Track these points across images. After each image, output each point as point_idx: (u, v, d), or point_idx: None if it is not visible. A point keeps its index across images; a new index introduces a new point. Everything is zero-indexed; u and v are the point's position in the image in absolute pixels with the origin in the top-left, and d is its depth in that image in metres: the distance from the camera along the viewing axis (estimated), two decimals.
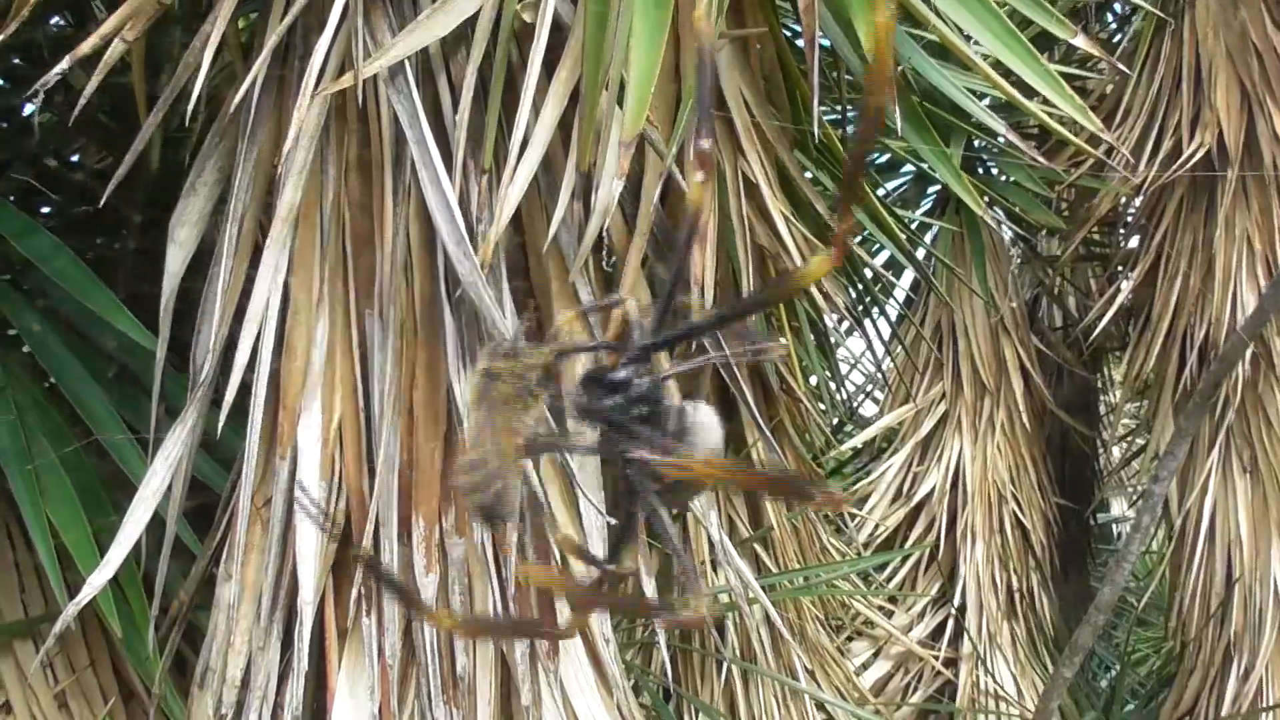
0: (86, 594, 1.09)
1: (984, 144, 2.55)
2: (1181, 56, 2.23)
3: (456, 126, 1.07)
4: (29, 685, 1.30)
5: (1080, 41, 1.13)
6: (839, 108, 1.70)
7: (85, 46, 0.95)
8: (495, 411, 0.52)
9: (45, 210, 1.51)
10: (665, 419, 0.54)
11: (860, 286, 2.14)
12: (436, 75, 1.11)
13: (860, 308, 2.25)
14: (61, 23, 1.48)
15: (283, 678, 1.09)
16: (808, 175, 1.40)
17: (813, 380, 2.20)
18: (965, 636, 2.59)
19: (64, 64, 0.96)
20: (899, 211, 2.51)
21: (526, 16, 1.05)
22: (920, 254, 2.57)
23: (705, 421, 0.56)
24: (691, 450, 0.54)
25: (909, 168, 2.75)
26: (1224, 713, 2.33)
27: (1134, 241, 2.57)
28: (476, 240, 1.06)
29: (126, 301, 1.26)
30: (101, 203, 1.08)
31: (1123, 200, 2.53)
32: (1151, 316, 2.40)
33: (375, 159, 1.11)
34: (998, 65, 1.21)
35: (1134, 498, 3.59)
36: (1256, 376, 2.29)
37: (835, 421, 2.78)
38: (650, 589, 1.19)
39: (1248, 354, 2.24)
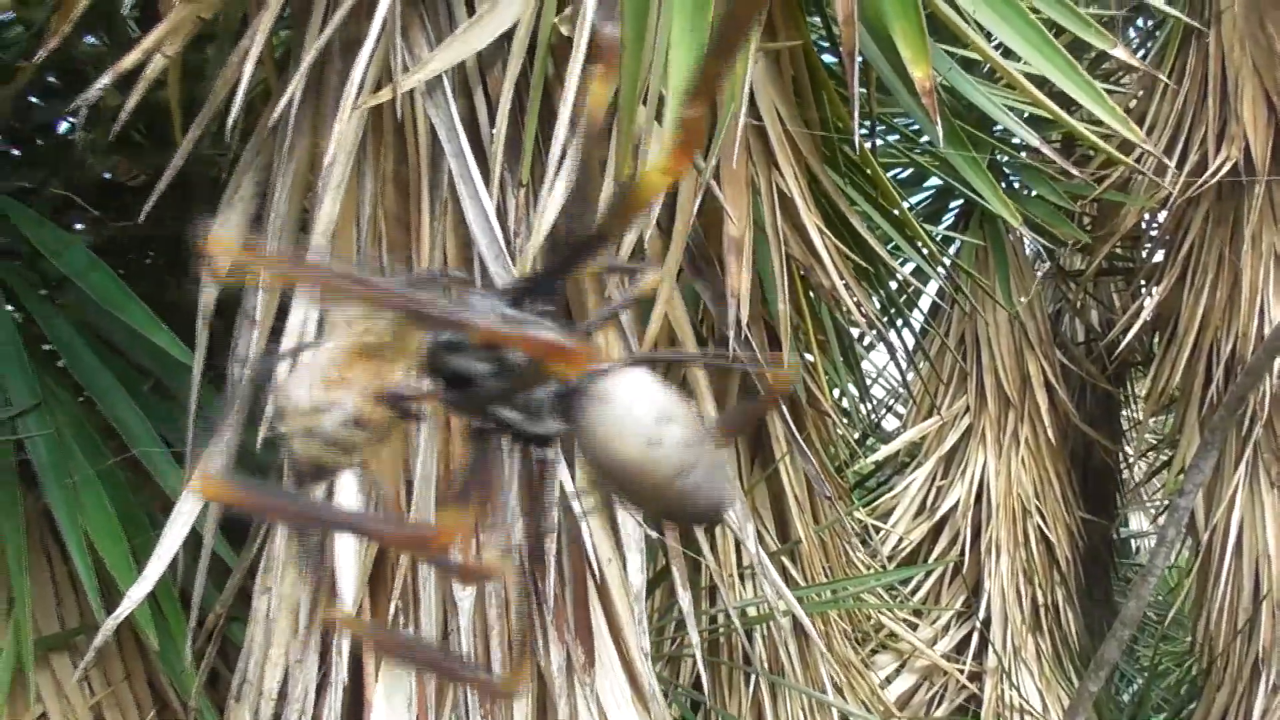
0: (126, 608, 1.08)
1: (1007, 158, 2.54)
2: (1207, 69, 2.21)
3: (494, 140, 1.06)
4: (65, 697, 1.29)
5: (1119, 52, 1.12)
6: (867, 122, 1.69)
7: (127, 62, 0.95)
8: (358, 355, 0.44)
9: (80, 226, 1.51)
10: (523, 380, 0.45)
11: (884, 296, 2.13)
12: (474, 89, 1.10)
13: (885, 319, 2.24)
14: (95, 41, 1.48)
15: (320, 690, 1.08)
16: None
17: (836, 393, 2.19)
18: (990, 650, 2.57)
19: (105, 79, 0.96)
20: (923, 226, 2.50)
21: (564, 30, 1.05)
22: (944, 267, 2.56)
23: (617, 392, 0.44)
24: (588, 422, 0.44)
25: (932, 181, 2.74)
26: None
27: (1159, 256, 2.55)
28: (514, 253, 1.05)
29: (162, 316, 1.26)
30: (140, 219, 1.08)
31: (1147, 215, 2.51)
32: (1177, 331, 2.38)
33: (413, 173, 1.10)
34: (1031, 77, 1.20)
35: (1156, 512, 3.56)
36: None
37: (858, 436, 2.77)
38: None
39: (1275, 368, 2.21)
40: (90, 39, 1.49)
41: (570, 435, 0.45)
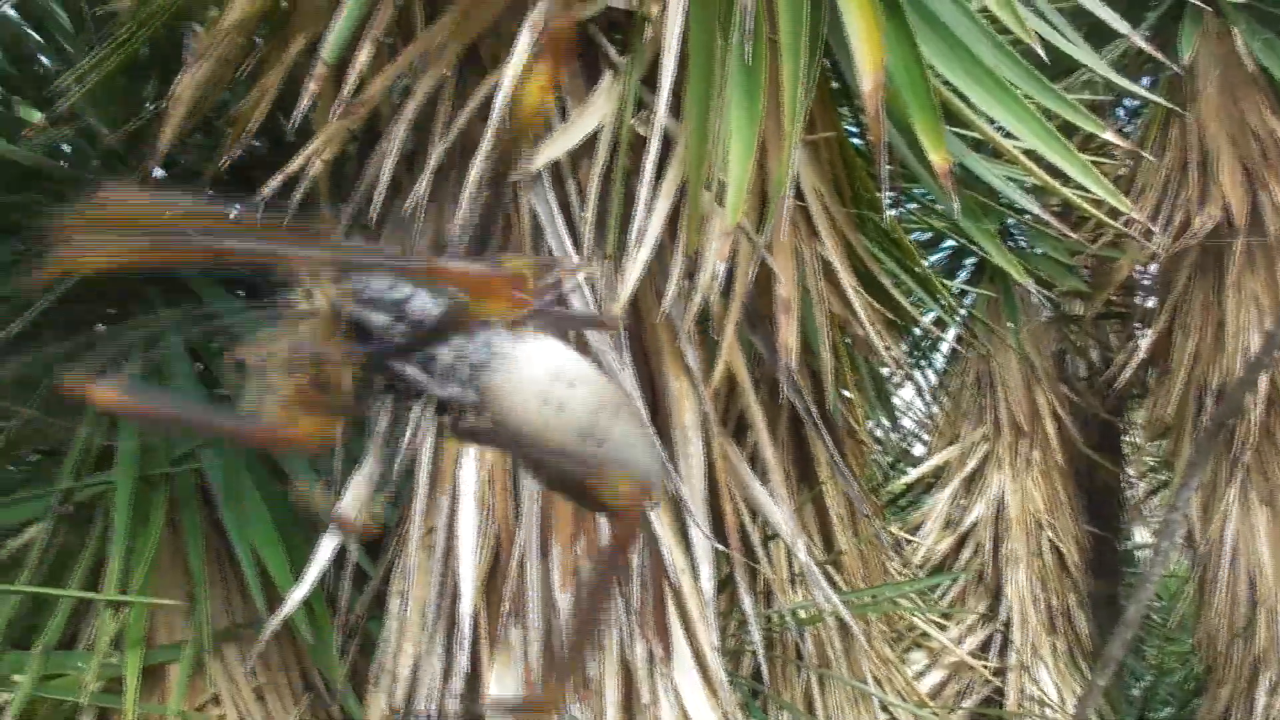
0: (289, 608, 1.13)
1: (1015, 222, 2.55)
2: (1188, 142, 2.22)
3: (584, 221, 1.11)
4: (234, 681, 1.34)
5: (1110, 136, 1.15)
6: (892, 194, 1.72)
7: (294, 165, 1.02)
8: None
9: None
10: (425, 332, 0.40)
11: (911, 341, 2.15)
12: (566, 180, 1.15)
13: (911, 361, 2.26)
14: (258, 145, 1.55)
15: (445, 676, 1.12)
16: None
17: (870, 425, 2.20)
18: (1011, 649, 2.55)
19: (275, 181, 1.02)
20: (942, 280, 2.52)
21: (640, 130, 1.10)
22: (961, 316, 2.57)
23: (521, 358, 0.40)
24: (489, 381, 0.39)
25: (949, 242, 2.75)
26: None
27: (1151, 301, 2.54)
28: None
29: None
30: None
31: (1139, 266, 2.51)
32: (1169, 366, 2.37)
33: (517, 248, 1.16)
34: (1030, 155, 1.23)
35: (1157, 526, 3.50)
36: (1270, 418, 2.25)
37: (890, 461, 2.78)
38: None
39: (1262, 397, 2.19)
40: (256, 143, 1.57)
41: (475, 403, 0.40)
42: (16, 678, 1.18)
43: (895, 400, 2.59)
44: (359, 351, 0.43)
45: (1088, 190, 1.19)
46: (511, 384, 0.41)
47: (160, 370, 1.39)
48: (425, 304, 0.41)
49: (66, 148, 1.47)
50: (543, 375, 0.40)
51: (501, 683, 1.12)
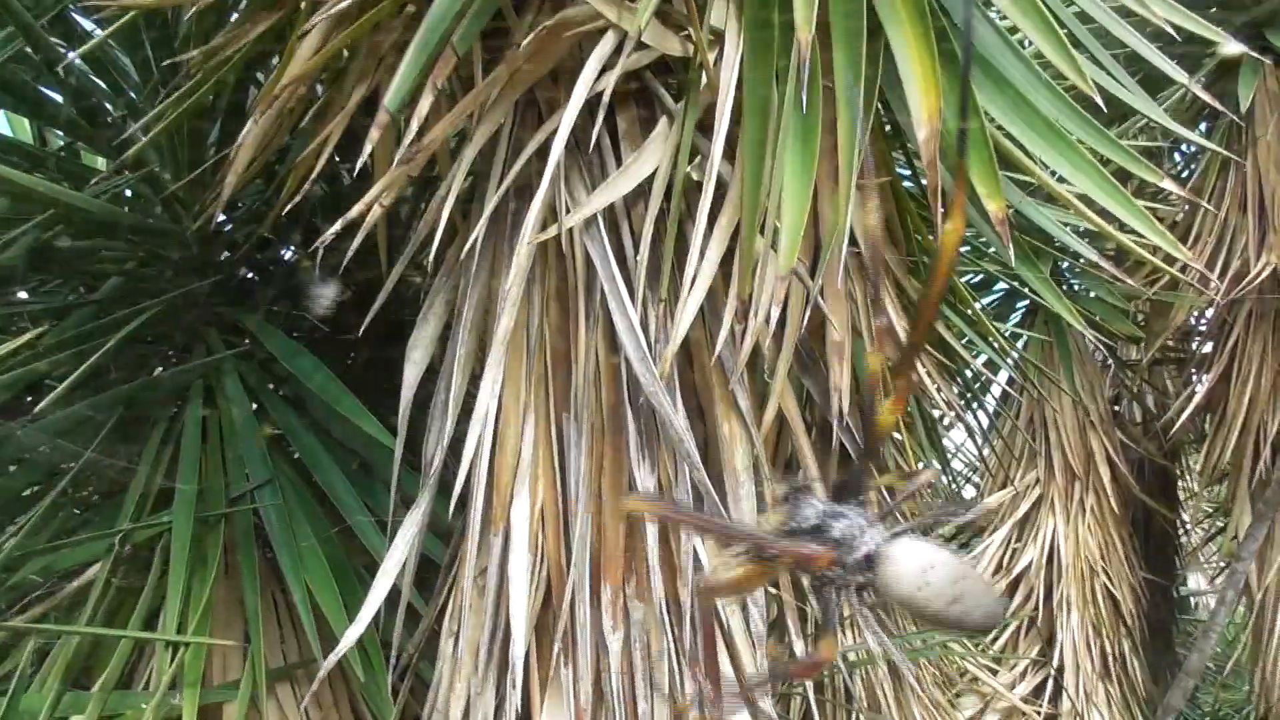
0: (343, 647, 1.14)
1: (1068, 265, 2.52)
2: (1246, 188, 2.18)
3: (637, 265, 1.11)
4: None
5: (1169, 184, 1.13)
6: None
7: (354, 212, 1.03)
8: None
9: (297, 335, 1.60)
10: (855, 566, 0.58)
11: (962, 383, 2.12)
12: (620, 224, 1.16)
13: (962, 403, 2.23)
14: (321, 189, 1.58)
15: (497, 716, 1.12)
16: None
17: (920, 466, 2.17)
18: (1064, 695, 2.48)
19: (336, 227, 1.04)
20: (994, 324, 2.49)
21: (694, 175, 1.11)
22: (1013, 359, 2.54)
23: (896, 556, 0.58)
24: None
25: (1000, 285, 2.73)
26: None
27: (1208, 347, 2.49)
28: (655, 357, 1.10)
29: (370, 408, 1.33)
30: (359, 333, 1.15)
31: (1195, 312, 2.46)
32: (1226, 413, 2.32)
33: (571, 291, 1.16)
34: (1085, 200, 1.21)
35: (1213, 574, 3.41)
36: None
37: (941, 503, 2.73)
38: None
39: None
40: (317, 186, 1.59)
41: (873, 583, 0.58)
42: (75, 718, 1.19)
43: (946, 442, 2.56)
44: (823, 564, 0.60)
45: (1142, 236, 1.18)
46: (894, 573, 0.59)
47: (221, 413, 1.41)
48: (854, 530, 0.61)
49: (130, 193, 1.51)
50: (915, 567, 0.57)
51: None
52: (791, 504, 0.60)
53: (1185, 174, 2.53)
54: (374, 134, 0.99)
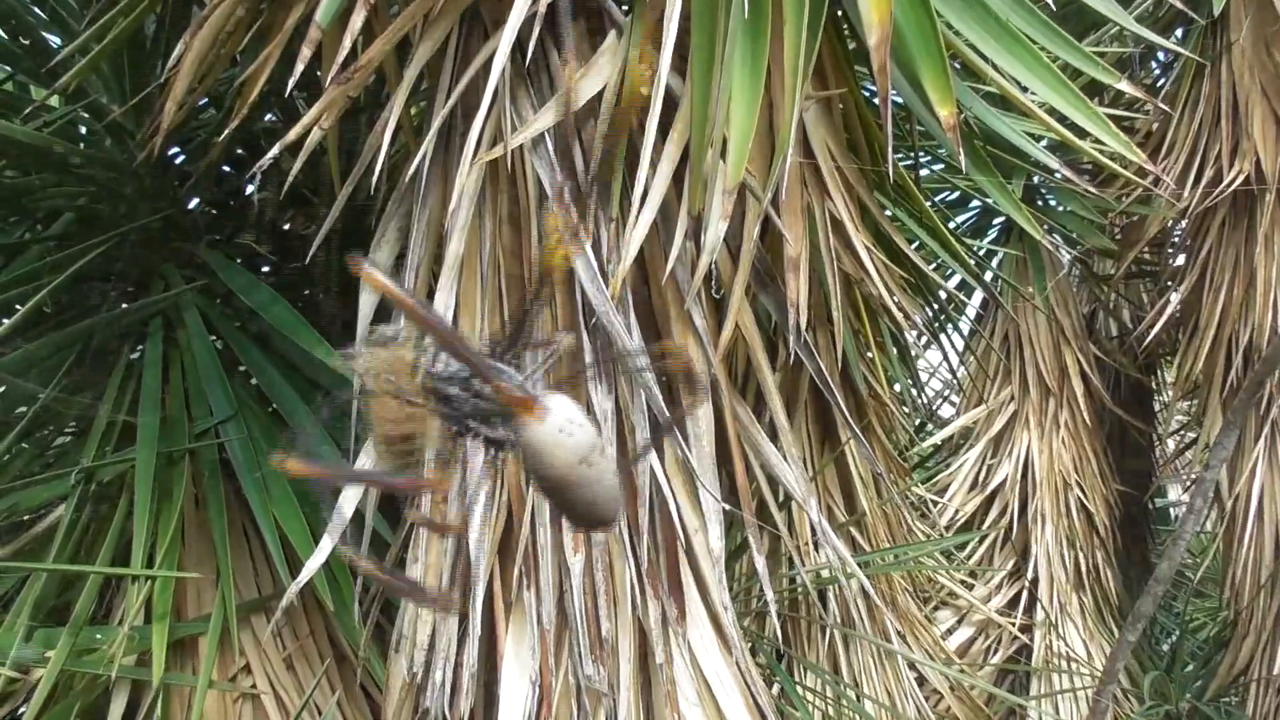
0: (305, 575, 1.12)
1: (1042, 180, 2.47)
2: (1220, 95, 2.13)
3: (589, 183, 1.08)
4: (263, 650, 1.34)
5: (1125, 86, 1.09)
6: (912, 153, 1.67)
7: (291, 135, 0.99)
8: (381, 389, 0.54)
9: (265, 269, 1.57)
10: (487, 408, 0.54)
11: (936, 306, 2.09)
12: (571, 142, 1.12)
13: (936, 324, 2.20)
14: (273, 118, 1.54)
15: (461, 642, 1.11)
16: (886, 212, 1.38)
17: (897, 387, 2.16)
18: (1038, 606, 2.50)
19: (274, 151, 1.00)
20: (968, 240, 2.45)
21: (644, 91, 1.06)
22: (989, 276, 2.51)
23: (550, 404, 0.53)
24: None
25: (976, 202, 2.69)
26: (1275, 672, 2.20)
27: (1180, 259, 2.46)
28: (607, 276, 1.07)
29: (329, 338, 1.31)
30: (307, 259, 1.12)
31: (1169, 223, 2.43)
32: (1199, 324, 2.30)
33: (523, 213, 1.13)
34: (1051, 111, 1.17)
35: (1187, 484, 3.42)
36: None
37: (917, 423, 2.73)
38: (761, 565, 1.18)
39: None
40: (269, 116, 1.55)
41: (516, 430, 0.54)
42: (49, 653, 1.18)
43: (922, 362, 2.55)
44: (445, 410, 0.54)
45: (1105, 145, 1.14)
46: (543, 418, 0.54)
47: (181, 350, 1.38)
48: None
49: (84, 130, 1.46)
50: (563, 418, 0.53)
51: (516, 646, 1.10)
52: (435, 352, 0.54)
53: (1160, 84, 2.47)
54: (305, 52, 0.95)
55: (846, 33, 1.28)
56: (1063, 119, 1.16)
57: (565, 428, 0.53)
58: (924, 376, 2.64)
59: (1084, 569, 2.53)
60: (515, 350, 0.56)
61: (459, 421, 0.55)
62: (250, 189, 1.54)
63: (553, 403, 0.54)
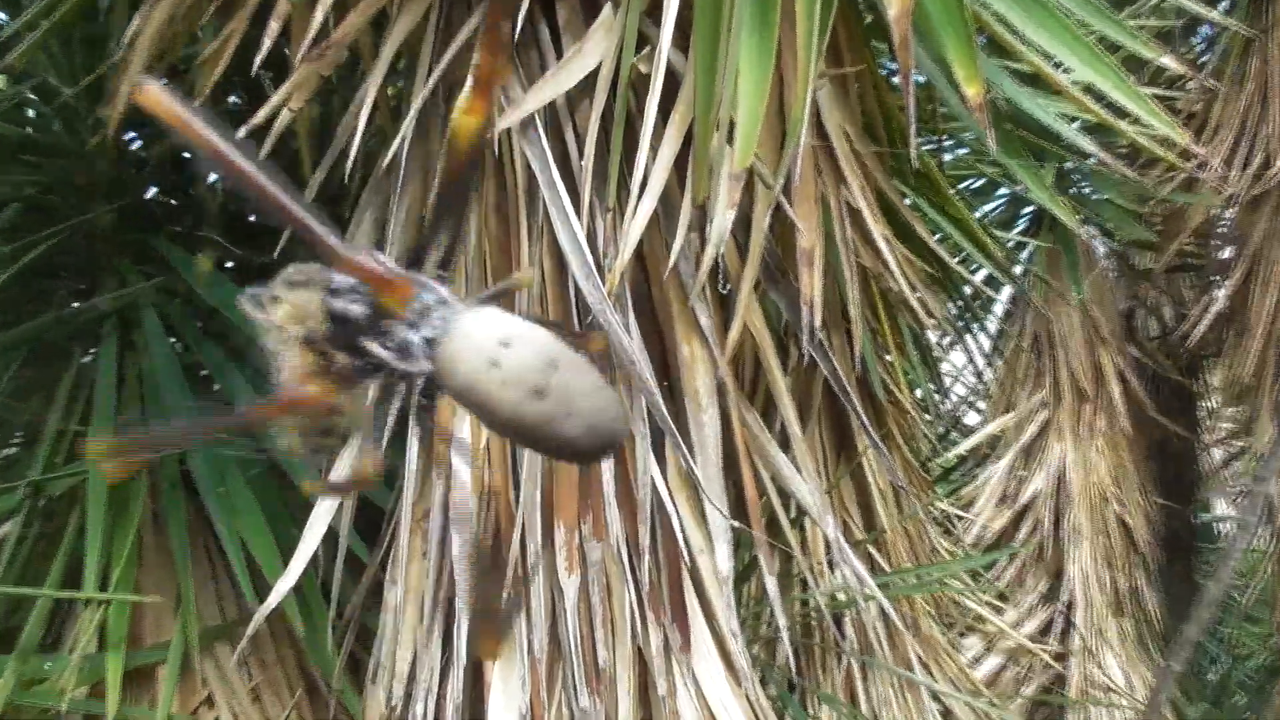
0: (273, 599, 1.12)
1: (1076, 165, 2.47)
2: (1270, 71, 2.13)
3: (582, 170, 1.08)
4: (227, 680, 1.33)
5: (1168, 61, 1.09)
6: (935, 137, 1.67)
7: (259, 116, 0.99)
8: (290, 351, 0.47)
9: (229, 264, 1.57)
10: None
11: (960, 303, 2.09)
12: (563, 125, 1.12)
13: (961, 323, 2.20)
14: (238, 100, 1.54)
15: (444, 672, 1.11)
16: (906, 201, 1.38)
17: (918, 392, 2.16)
18: (1074, 632, 2.50)
19: (239, 133, 0.99)
20: (996, 232, 2.45)
21: (642, 68, 1.06)
22: (1018, 270, 2.51)
23: (463, 327, 0.44)
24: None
25: (1004, 190, 2.69)
26: None
27: (1227, 251, 2.46)
28: (604, 272, 1.07)
29: None
30: (275, 254, 1.12)
31: (1214, 213, 2.42)
32: (1248, 323, 2.29)
33: (511, 202, 1.13)
34: (1087, 89, 1.17)
35: (1236, 497, 3.42)
36: None
37: (941, 431, 2.72)
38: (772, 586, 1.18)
39: None
40: (233, 98, 1.55)
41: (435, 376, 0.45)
42: None
43: (945, 365, 2.55)
44: (333, 333, 0.47)
45: (1148, 128, 1.14)
46: (456, 349, 0.44)
47: (138, 352, 1.38)
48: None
49: (32, 113, 1.46)
50: (485, 339, 0.43)
51: (505, 677, 1.10)
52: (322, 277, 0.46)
53: (1204, 60, 2.47)
54: (273, 25, 0.95)
55: (863, 5, 1.28)
56: (1100, 98, 1.16)
57: (493, 353, 0.42)
58: (948, 380, 2.64)
59: (1123, 591, 2.52)
60: (435, 254, 0.48)
61: (359, 352, 0.46)
62: (212, 176, 1.54)
63: (466, 321, 0.44)
